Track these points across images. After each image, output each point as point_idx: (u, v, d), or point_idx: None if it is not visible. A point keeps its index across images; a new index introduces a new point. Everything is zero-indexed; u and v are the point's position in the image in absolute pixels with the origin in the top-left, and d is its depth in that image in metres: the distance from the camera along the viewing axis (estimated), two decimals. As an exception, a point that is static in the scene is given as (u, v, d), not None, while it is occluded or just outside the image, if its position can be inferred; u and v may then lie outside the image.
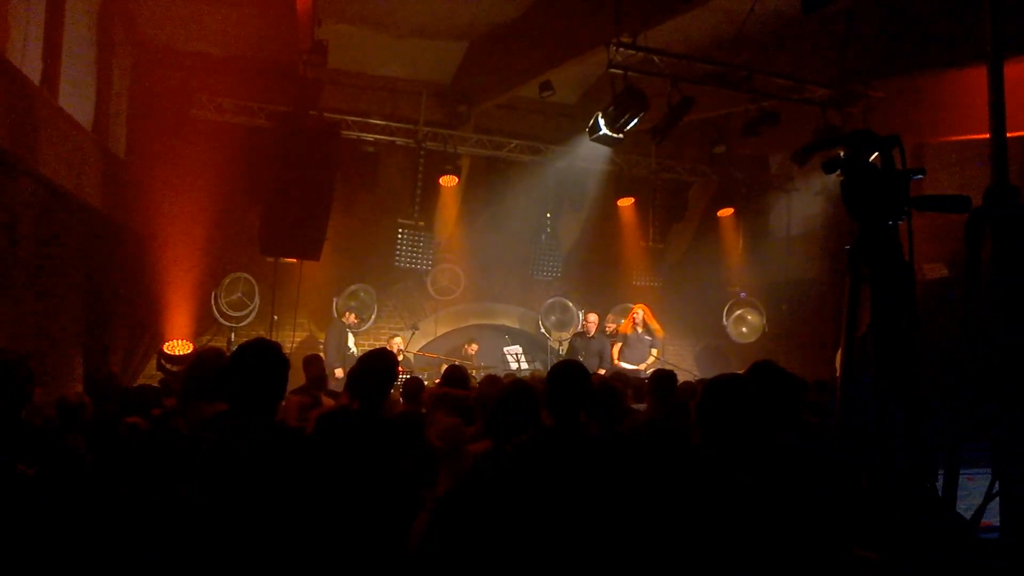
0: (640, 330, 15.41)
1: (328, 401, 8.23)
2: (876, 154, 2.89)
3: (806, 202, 17.41)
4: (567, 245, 17.69)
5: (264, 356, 4.18)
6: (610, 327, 16.07)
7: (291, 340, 15.10)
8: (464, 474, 5.05)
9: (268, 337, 6.84)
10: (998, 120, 2.82)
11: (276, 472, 3.92)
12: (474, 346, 16.29)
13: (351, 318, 15.29)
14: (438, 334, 16.83)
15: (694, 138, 16.59)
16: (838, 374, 3.02)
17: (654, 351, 15.41)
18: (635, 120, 12.01)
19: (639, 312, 15.77)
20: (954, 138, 13.14)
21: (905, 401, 2.72)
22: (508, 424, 5.14)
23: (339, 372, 13.75)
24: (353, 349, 14.93)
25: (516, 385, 5.64)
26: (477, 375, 14.78)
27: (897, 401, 2.71)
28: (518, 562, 4.16)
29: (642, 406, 7.78)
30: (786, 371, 5.16)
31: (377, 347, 11.60)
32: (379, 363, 5.50)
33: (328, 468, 4.31)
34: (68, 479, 4.40)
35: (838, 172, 2.95)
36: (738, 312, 17.76)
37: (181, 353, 13.19)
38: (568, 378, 4.75)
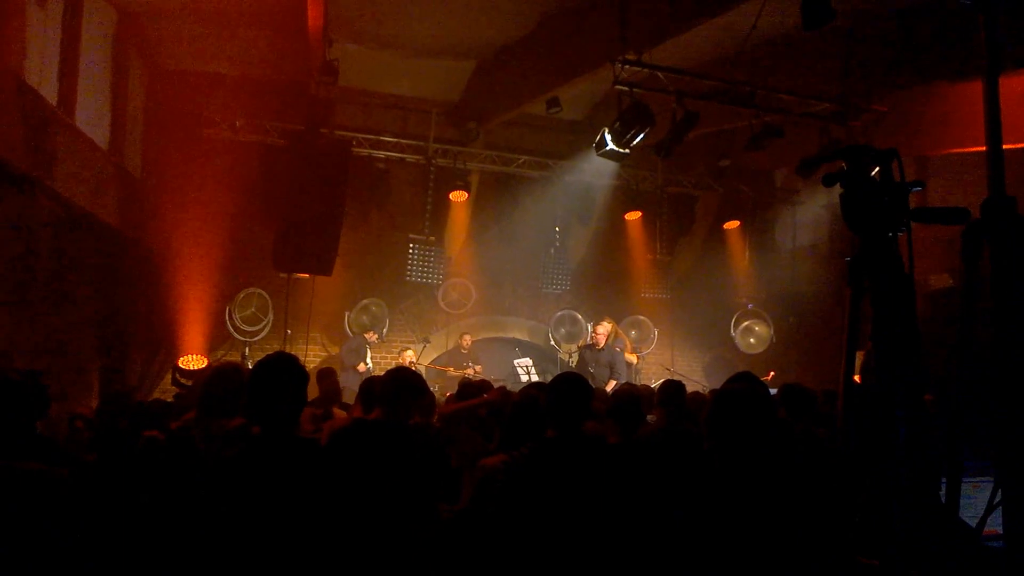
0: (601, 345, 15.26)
1: (340, 413, 8.23)
2: (877, 169, 2.90)
3: (811, 214, 17.42)
4: (575, 259, 17.72)
5: (285, 369, 4.18)
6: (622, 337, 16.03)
7: (304, 354, 15.10)
8: (473, 490, 5.05)
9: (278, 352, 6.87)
10: (994, 132, 2.82)
11: (300, 483, 3.92)
12: (467, 338, 16.36)
13: (372, 336, 15.45)
14: (449, 347, 16.81)
15: (700, 152, 16.60)
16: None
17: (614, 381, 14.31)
18: (641, 135, 12.05)
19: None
20: (956, 150, 13.14)
21: (907, 410, 2.72)
22: (521, 437, 5.14)
23: (361, 367, 14.52)
24: (370, 365, 15.00)
25: (527, 399, 5.64)
26: (471, 368, 15.39)
27: (899, 410, 2.71)
28: (522, 570, 4.17)
29: (651, 417, 7.77)
30: (760, 380, 5.19)
31: (398, 365, 11.70)
32: (408, 377, 5.53)
33: (353, 478, 4.31)
34: (76, 490, 4.40)
35: (840, 186, 2.95)
36: (745, 323, 17.73)
37: (196, 368, 13.20)
38: (568, 389, 4.75)
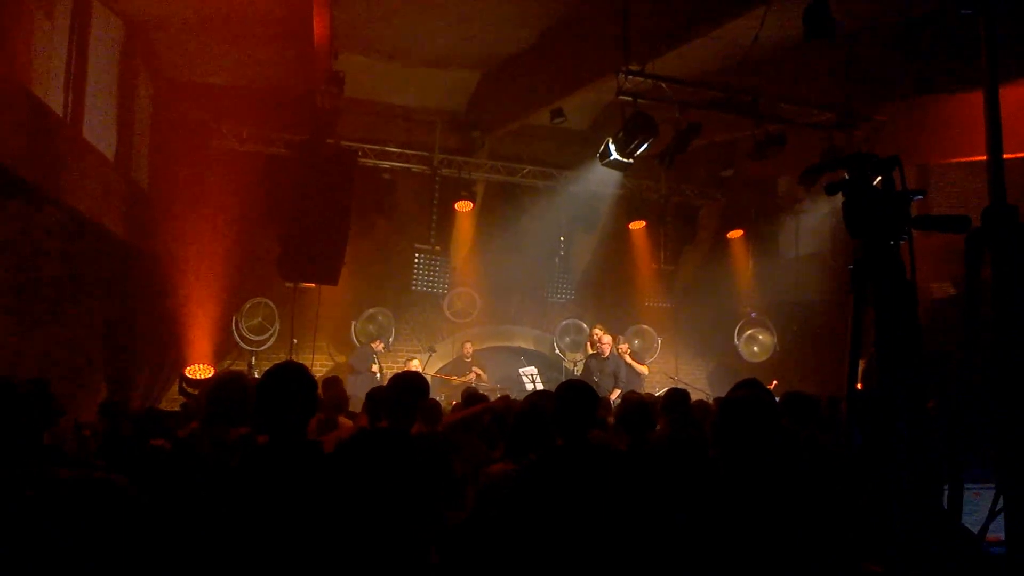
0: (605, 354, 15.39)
1: (346, 422, 8.23)
2: (879, 177, 2.91)
3: (814, 223, 17.36)
4: (580, 268, 17.74)
5: (294, 379, 4.15)
6: (621, 348, 15.98)
7: (310, 363, 15.10)
8: (477, 497, 5.06)
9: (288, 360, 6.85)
10: (995, 140, 2.84)
11: (308, 493, 3.91)
12: (468, 346, 16.44)
13: (379, 346, 15.49)
14: (455, 356, 16.82)
15: (703, 161, 16.59)
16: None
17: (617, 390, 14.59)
18: (645, 145, 12.04)
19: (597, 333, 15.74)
20: (959, 159, 13.14)
21: (910, 415, 2.72)
22: (526, 445, 5.15)
23: (375, 367, 15.05)
24: (378, 375, 15.04)
25: (531, 407, 5.64)
26: (473, 373, 15.68)
27: (902, 416, 2.72)
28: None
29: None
30: (764, 386, 5.20)
31: (402, 371, 11.70)
32: (409, 380, 5.52)
33: (363, 488, 4.30)
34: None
35: (842, 194, 2.96)
36: (749, 332, 17.69)
37: (202, 377, 13.18)
38: (575, 397, 4.74)
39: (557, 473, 4.45)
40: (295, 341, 15.02)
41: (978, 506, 3.05)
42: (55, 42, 10.26)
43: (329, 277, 14.65)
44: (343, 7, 11.61)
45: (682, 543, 3.96)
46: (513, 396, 10.24)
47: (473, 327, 17.08)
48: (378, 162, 15.69)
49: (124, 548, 3.72)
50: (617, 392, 13.91)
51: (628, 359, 15.82)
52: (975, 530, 2.87)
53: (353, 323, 15.78)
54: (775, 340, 17.43)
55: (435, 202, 16.03)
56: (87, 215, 10.78)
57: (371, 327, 15.87)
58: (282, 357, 13.52)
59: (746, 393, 4.54)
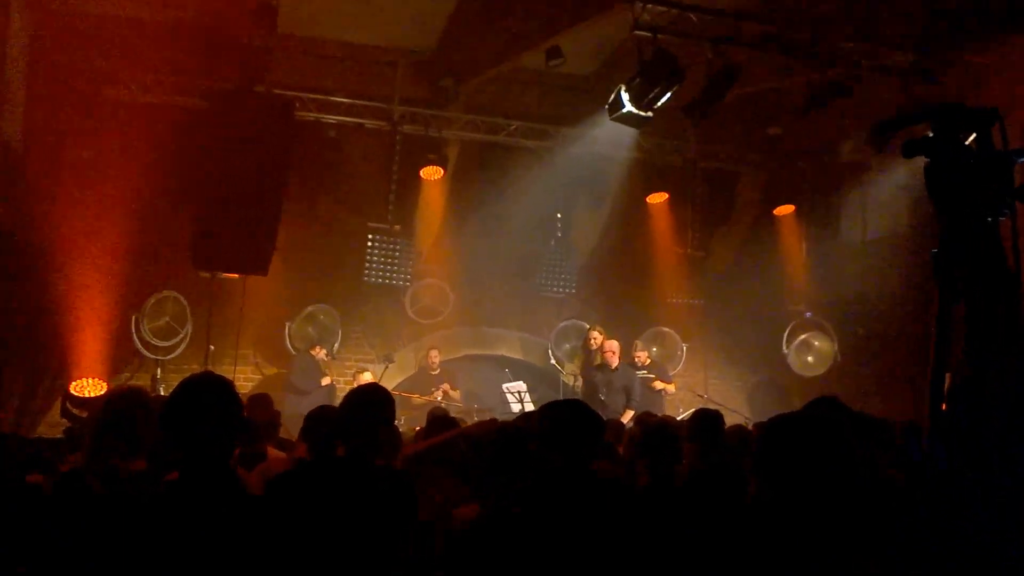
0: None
1: (277, 454, 8.18)
2: (973, 135, 2.90)
3: (886, 197, 17.29)
4: (583, 253, 17.75)
5: (213, 393, 4.11)
6: (640, 356, 15.99)
7: (232, 376, 15.02)
8: (444, 549, 5.06)
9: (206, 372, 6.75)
10: None
11: (239, 545, 3.89)
12: (434, 353, 16.31)
13: (320, 352, 15.40)
14: (417, 368, 16.74)
15: (743, 117, 16.59)
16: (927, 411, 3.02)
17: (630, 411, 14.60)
18: (667, 94, 12.05)
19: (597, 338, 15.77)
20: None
21: (1009, 442, 2.72)
22: (498, 484, 5.15)
23: (325, 380, 15.11)
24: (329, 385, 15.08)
25: (515, 430, 5.63)
26: (439, 391, 15.64)
27: (998, 441, 2.72)
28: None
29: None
30: (853, 410, 5.17)
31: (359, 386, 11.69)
32: (375, 399, 5.48)
33: (310, 539, 4.30)
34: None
35: (923, 156, 2.95)
36: (802, 337, 17.66)
37: (93, 395, 13.14)
38: (571, 418, 4.72)
39: (552, 516, 4.44)
40: (212, 348, 14.97)
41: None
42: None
43: (257, 265, 14.62)
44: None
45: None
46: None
47: (442, 330, 17.06)
48: (321, 116, 15.66)
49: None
50: (630, 414, 13.90)
51: (659, 383, 15.81)
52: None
53: (287, 325, 15.73)
54: (835, 347, 17.41)
55: (395, 168, 16.00)
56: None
57: (310, 329, 15.82)
58: (195, 368, 13.48)
59: (808, 413, 4.53)
